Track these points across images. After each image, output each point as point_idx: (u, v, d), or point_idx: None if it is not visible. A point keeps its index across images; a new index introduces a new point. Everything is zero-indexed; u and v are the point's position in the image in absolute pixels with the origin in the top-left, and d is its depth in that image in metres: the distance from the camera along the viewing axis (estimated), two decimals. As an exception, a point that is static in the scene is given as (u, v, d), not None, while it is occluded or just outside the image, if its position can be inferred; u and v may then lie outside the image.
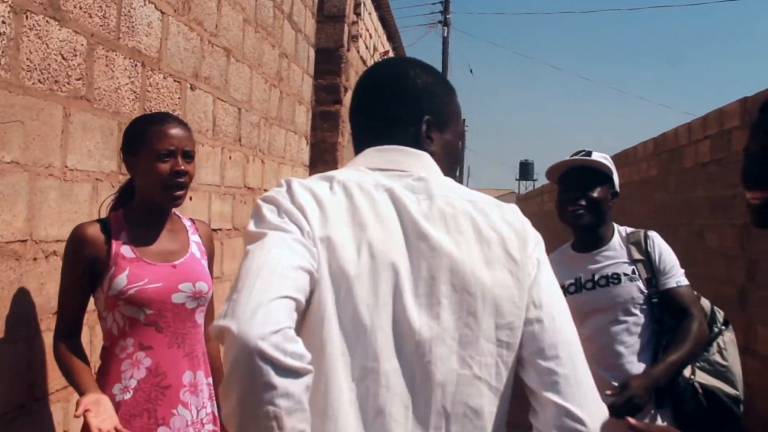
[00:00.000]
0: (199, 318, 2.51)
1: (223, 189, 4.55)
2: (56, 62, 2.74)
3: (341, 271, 1.33)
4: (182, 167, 2.42)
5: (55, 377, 2.77)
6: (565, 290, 2.84)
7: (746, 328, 6.64)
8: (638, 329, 2.84)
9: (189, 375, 2.43)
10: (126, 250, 2.39)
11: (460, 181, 1.55)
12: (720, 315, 3.05)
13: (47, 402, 2.76)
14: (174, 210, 2.59)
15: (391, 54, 13.64)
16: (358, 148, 1.60)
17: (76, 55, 2.88)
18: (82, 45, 2.92)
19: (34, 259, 2.67)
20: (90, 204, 3.04)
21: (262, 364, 1.14)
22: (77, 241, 2.38)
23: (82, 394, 2.19)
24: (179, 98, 3.90)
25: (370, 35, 10.88)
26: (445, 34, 29.76)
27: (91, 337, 2.90)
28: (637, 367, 2.78)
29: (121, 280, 2.33)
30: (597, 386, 1.44)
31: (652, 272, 2.87)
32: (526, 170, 70.33)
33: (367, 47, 10.38)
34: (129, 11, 3.31)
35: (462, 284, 1.37)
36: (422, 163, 1.51)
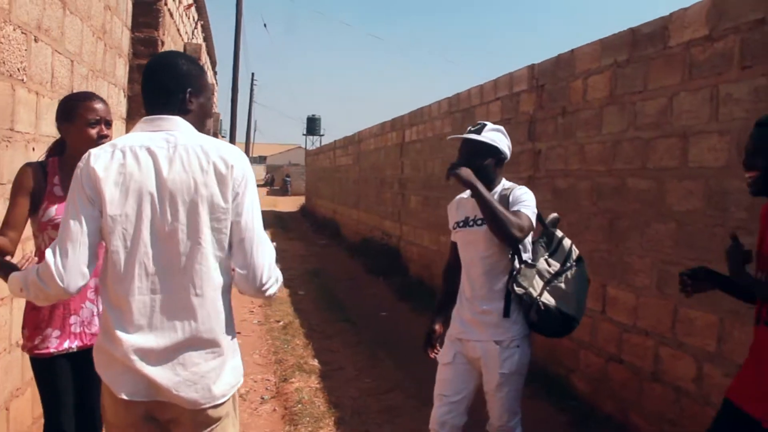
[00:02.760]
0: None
1: (60, 140, 4.64)
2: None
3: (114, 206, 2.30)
4: (105, 132, 3.32)
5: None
6: (458, 224, 3.92)
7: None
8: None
9: (93, 281, 3.16)
10: (57, 190, 3.24)
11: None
12: (575, 254, 3.81)
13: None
14: None
15: (193, 7, 13.54)
16: (145, 109, 2.48)
17: (-53, 7, 2.96)
18: (-49, -3, 3.00)
19: None
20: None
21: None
22: (24, 173, 3.21)
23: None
24: (26, 50, 3.97)
25: (175, -13, 10.82)
26: (238, -13, 29.45)
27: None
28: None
29: (51, 211, 3.20)
30: None
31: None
32: (313, 125, 71.10)
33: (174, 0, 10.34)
34: (-13, -37, 3.38)
35: (191, 196, 2.31)
36: (174, 122, 2.43)
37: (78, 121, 3.28)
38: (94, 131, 3.28)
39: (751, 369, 2.92)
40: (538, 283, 3.66)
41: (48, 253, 2.30)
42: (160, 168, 2.32)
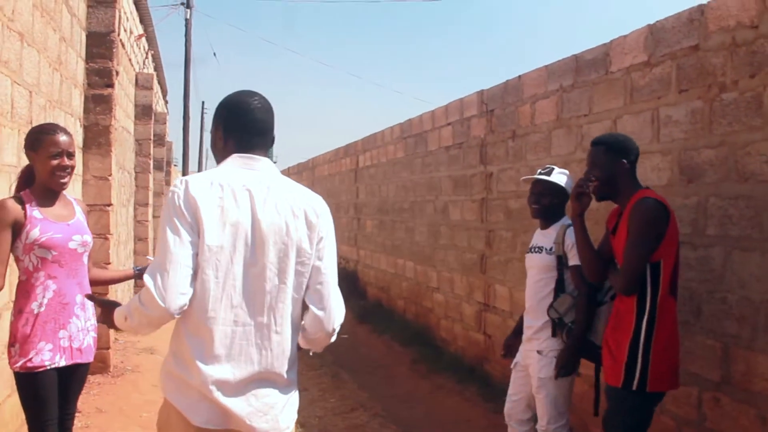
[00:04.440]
0: (85, 258, 3.74)
1: (20, 169, 4.67)
2: None
3: (212, 236, 2.39)
4: (66, 163, 3.62)
5: None
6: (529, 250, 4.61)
7: (486, 287, 7.70)
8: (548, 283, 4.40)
9: (79, 297, 3.65)
10: (36, 213, 3.55)
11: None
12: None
13: None
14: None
15: (144, 38, 13.55)
16: (226, 149, 2.61)
17: None
18: None
19: None
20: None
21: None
22: (3, 209, 3.45)
23: None
24: (-13, 81, 4.03)
25: (127, 18, 10.85)
26: (188, 16, 29.49)
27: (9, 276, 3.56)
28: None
29: (35, 232, 3.50)
30: None
31: (563, 252, 4.30)
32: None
33: (125, 30, 10.38)
34: (-50, -2, 3.45)
35: (282, 238, 2.46)
36: (265, 164, 2.59)
37: (41, 151, 3.58)
38: (55, 162, 3.57)
39: (605, 339, 3.75)
40: (572, 312, 4.20)
41: (146, 277, 2.37)
42: (255, 208, 2.44)
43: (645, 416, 3.59)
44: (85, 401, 6.07)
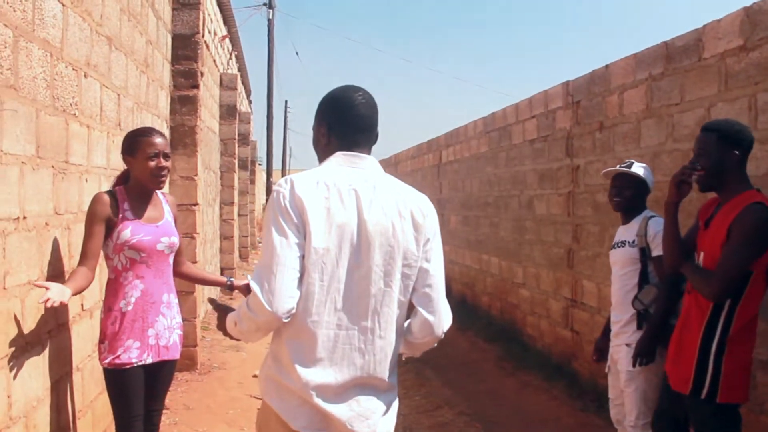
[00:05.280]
0: (171, 260, 3.84)
1: (109, 171, 4.76)
2: (-8, 54, 2.97)
3: (318, 238, 2.33)
4: (163, 164, 3.73)
5: (0, 347, 3.02)
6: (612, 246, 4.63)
7: (573, 283, 7.53)
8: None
9: (165, 296, 3.77)
10: (129, 214, 3.68)
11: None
12: None
13: (-4, 368, 3.02)
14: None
15: (228, 39, 13.78)
16: (329, 147, 2.55)
17: (6, 47, 3.10)
18: (9, 37, 3.14)
19: (-19, 236, 2.90)
20: (18, 186, 3.26)
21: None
22: (99, 202, 3.60)
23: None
24: (77, 86, 4.11)
25: (211, 20, 11.05)
26: (270, 16, 29.91)
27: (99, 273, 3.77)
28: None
29: (127, 233, 3.62)
30: None
31: (646, 243, 4.32)
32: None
33: (209, 31, 10.56)
34: (40, 4, 3.52)
35: (388, 240, 2.40)
36: (370, 162, 2.52)
37: (139, 154, 3.70)
38: (153, 163, 3.69)
39: (675, 339, 3.63)
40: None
41: (253, 282, 2.34)
42: (361, 208, 2.38)
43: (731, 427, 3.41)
44: (172, 398, 6.19)
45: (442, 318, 2.48)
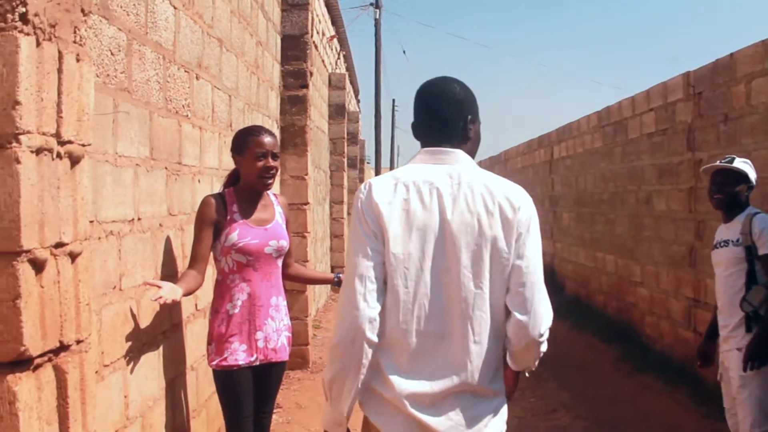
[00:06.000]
0: (279, 262, 3.76)
1: (221, 172, 4.80)
2: (107, 57, 3.00)
3: (397, 243, 2.24)
4: (271, 164, 3.66)
5: (117, 347, 3.06)
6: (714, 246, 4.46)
7: (696, 282, 7.17)
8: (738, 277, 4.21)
9: (273, 299, 3.71)
10: (237, 216, 3.62)
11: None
12: None
13: (114, 368, 3.05)
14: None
15: (336, 39, 13.86)
16: (419, 139, 2.46)
17: (120, 51, 3.13)
18: (123, 41, 3.17)
19: (99, 238, 2.93)
20: (132, 187, 3.30)
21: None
22: (207, 205, 3.59)
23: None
24: (189, 87, 4.15)
25: (319, 20, 11.12)
26: (377, 16, 30.04)
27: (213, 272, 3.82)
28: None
29: (234, 236, 3.57)
30: None
31: (752, 241, 4.13)
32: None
33: (318, 32, 10.63)
34: (153, 7, 3.56)
35: (474, 239, 2.23)
36: (456, 156, 2.36)
37: (247, 153, 3.65)
38: (260, 163, 3.63)
39: None
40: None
41: (340, 292, 2.34)
42: (444, 207, 2.25)
43: None
44: (285, 397, 6.22)
45: (538, 318, 2.23)
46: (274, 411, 4.25)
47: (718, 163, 4.35)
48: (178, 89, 3.96)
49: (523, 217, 2.27)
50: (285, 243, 3.76)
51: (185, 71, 4.09)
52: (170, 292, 3.21)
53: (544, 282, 2.33)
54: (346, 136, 14.18)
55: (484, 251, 2.23)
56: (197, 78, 4.33)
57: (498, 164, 20.39)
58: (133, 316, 3.27)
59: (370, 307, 2.22)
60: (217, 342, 3.59)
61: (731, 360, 4.14)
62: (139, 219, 3.38)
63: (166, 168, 3.77)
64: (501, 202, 2.27)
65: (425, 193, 2.27)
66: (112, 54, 3.05)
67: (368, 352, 2.24)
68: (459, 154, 2.37)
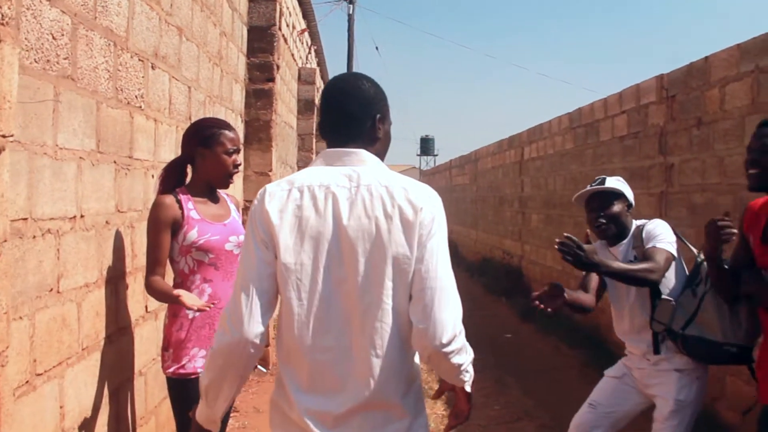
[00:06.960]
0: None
1: (178, 167, 4.59)
2: (48, 41, 2.78)
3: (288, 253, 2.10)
4: (238, 161, 3.52)
5: (52, 354, 2.84)
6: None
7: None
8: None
9: None
10: (194, 214, 3.38)
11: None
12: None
13: (48, 377, 2.83)
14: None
15: (307, 33, 13.64)
16: (325, 139, 2.29)
17: (63, 35, 2.91)
18: (67, 24, 2.95)
19: (33, 237, 2.72)
20: (75, 182, 3.08)
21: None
22: (164, 207, 3.34)
23: (173, 297, 3.20)
24: (143, 77, 3.94)
25: (289, 13, 10.89)
26: (350, 11, 29.81)
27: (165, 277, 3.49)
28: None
29: (193, 234, 3.34)
30: None
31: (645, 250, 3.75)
32: (426, 145, 71.10)
33: (287, 25, 10.40)
34: (103, -10, 3.34)
35: (372, 245, 2.06)
36: (359, 157, 2.19)
37: (217, 148, 3.44)
38: (230, 159, 3.47)
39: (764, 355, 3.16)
40: (682, 316, 3.65)
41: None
42: (339, 212, 2.10)
43: None
44: (242, 400, 6.02)
45: (439, 326, 2.03)
46: (231, 415, 4.06)
47: (589, 187, 3.96)
48: (130, 79, 3.74)
49: (426, 218, 2.10)
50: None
51: (139, 60, 3.87)
52: (194, 298, 3.23)
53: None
54: (315, 132, 13.97)
55: (384, 258, 2.07)
56: (153, 67, 4.11)
57: (469, 163, 20.28)
58: (72, 320, 3.05)
59: (254, 322, 2.09)
60: (175, 348, 3.37)
61: (665, 385, 3.74)
62: (82, 216, 3.17)
63: (115, 162, 3.56)
64: (401, 204, 2.10)
65: (320, 198, 2.12)
66: (53, 38, 2.83)
67: (249, 364, 2.16)
68: (362, 155, 2.21)
